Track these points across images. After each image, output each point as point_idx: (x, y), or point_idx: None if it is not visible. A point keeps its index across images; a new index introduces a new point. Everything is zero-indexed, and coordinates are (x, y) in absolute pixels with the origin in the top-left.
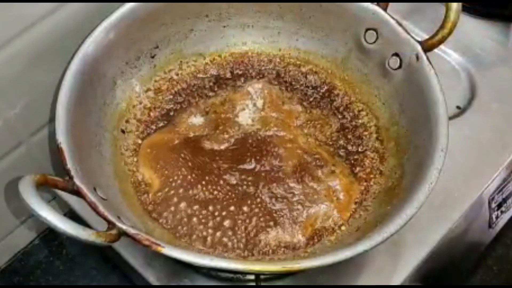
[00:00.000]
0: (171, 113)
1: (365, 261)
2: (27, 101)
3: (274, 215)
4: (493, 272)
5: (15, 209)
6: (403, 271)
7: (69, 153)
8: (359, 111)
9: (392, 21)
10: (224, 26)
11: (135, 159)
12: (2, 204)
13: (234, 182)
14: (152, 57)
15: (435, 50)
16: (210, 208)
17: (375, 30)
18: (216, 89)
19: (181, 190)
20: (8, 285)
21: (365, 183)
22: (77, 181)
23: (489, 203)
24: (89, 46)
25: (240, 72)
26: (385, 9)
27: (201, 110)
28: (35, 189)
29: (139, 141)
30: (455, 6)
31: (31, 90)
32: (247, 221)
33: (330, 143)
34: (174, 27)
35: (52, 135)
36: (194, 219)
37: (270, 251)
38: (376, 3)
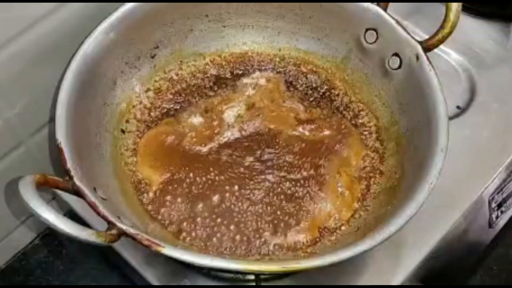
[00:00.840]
0: (171, 113)
1: (365, 261)
2: (27, 101)
3: (276, 215)
4: (493, 272)
5: (15, 209)
6: (403, 271)
7: (69, 153)
8: (359, 111)
9: (392, 21)
10: (224, 26)
11: (135, 159)
12: (2, 204)
13: (235, 180)
14: (152, 57)
15: (435, 50)
16: (210, 207)
17: (375, 30)
18: (216, 89)
19: (180, 189)
20: (8, 285)
21: (365, 183)
22: (77, 181)
23: (489, 203)
24: (89, 46)
25: (240, 72)
26: (385, 9)
27: (201, 110)
28: (35, 189)
29: (139, 141)
30: (455, 6)
31: (31, 90)
32: (248, 220)
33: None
34: (174, 27)
35: (52, 135)
36: (194, 217)
37: (271, 251)
38: (376, 3)
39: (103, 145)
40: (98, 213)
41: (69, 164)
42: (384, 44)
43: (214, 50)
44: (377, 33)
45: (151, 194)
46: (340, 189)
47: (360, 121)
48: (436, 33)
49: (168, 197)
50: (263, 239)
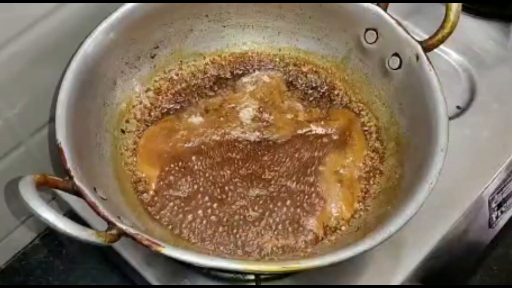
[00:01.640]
0: (171, 113)
1: (365, 261)
2: (27, 101)
3: (276, 214)
4: (493, 272)
5: (15, 209)
6: (403, 271)
7: (69, 153)
8: (359, 111)
9: (392, 21)
10: (224, 26)
11: (135, 159)
12: (2, 204)
13: (235, 179)
14: (152, 57)
15: (435, 50)
16: (210, 206)
17: (375, 30)
18: (216, 89)
19: (180, 188)
20: (8, 285)
21: (365, 183)
22: (77, 181)
23: (489, 203)
24: (89, 46)
25: (240, 72)
26: (385, 9)
27: (201, 110)
28: (35, 189)
29: (139, 141)
30: (455, 6)
31: (31, 90)
32: (248, 220)
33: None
34: (174, 27)
35: (52, 135)
36: (194, 217)
37: (271, 251)
38: (376, 3)
39: (103, 145)
40: (98, 213)
41: (69, 164)
42: (384, 44)
43: (214, 50)
44: (377, 33)
45: (151, 194)
46: (340, 189)
47: (360, 121)
48: (436, 33)
49: (168, 197)
50: (263, 239)
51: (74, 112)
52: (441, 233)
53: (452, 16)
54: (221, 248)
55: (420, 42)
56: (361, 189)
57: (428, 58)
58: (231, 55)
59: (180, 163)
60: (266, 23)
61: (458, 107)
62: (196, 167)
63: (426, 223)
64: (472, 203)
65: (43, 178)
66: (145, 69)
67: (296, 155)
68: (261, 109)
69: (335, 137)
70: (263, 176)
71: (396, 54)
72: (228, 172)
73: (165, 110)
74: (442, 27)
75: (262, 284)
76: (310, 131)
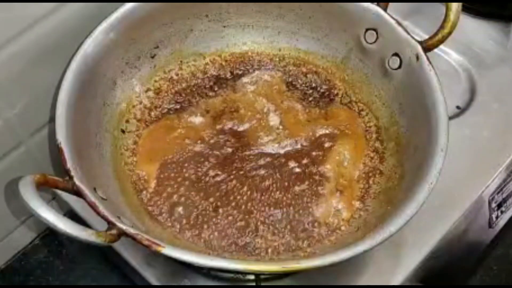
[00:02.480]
0: (171, 113)
1: (365, 261)
2: (27, 101)
3: (276, 213)
4: (493, 272)
5: (15, 209)
6: (403, 271)
7: (69, 153)
8: (359, 111)
9: (392, 21)
10: (224, 26)
11: (135, 159)
12: (2, 204)
13: (235, 178)
14: (152, 57)
15: (435, 50)
16: (211, 205)
17: (375, 30)
18: (216, 89)
19: (181, 188)
20: (8, 285)
21: (365, 183)
22: (77, 181)
23: (489, 203)
24: (89, 46)
25: (240, 72)
26: (385, 9)
27: (201, 110)
28: (35, 189)
29: (139, 140)
30: (455, 6)
31: (31, 90)
32: (249, 220)
33: None
34: (174, 27)
35: (52, 135)
36: (194, 217)
37: (271, 251)
38: (376, 3)
39: (103, 145)
40: (98, 213)
41: (69, 164)
42: (384, 44)
43: (214, 50)
44: (377, 33)
45: (150, 194)
46: (340, 189)
47: (360, 121)
48: (436, 33)
49: (168, 197)
50: (264, 239)
51: (74, 112)
52: (441, 233)
53: (452, 16)
54: (222, 247)
55: (420, 42)
56: (361, 189)
57: (428, 58)
58: (231, 55)
59: (180, 163)
60: (266, 23)
61: (458, 107)
62: (196, 166)
63: (426, 223)
64: (472, 203)
65: (43, 178)
66: (145, 69)
67: (296, 154)
68: (261, 109)
69: (335, 137)
70: (263, 175)
71: (396, 54)
72: (229, 171)
73: (165, 110)
74: (442, 27)
75: (262, 284)
76: (310, 131)
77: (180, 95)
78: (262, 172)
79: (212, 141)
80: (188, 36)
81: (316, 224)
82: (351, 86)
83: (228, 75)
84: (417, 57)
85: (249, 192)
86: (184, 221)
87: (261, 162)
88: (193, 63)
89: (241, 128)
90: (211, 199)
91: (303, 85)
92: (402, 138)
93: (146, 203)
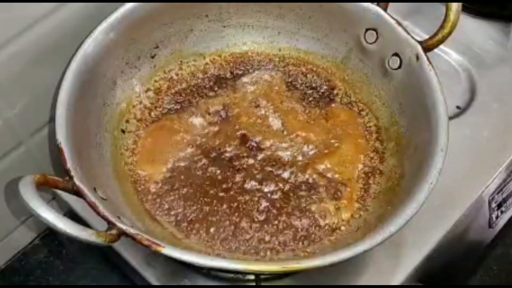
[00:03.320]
0: (171, 113)
1: (365, 261)
2: (27, 101)
3: (276, 213)
4: (493, 272)
5: (15, 209)
6: (403, 271)
7: (69, 153)
8: (359, 111)
9: (392, 21)
10: (224, 26)
11: (135, 159)
12: (2, 204)
13: (235, 178)
14: (152, 57)
15: (435, 50)
16: (210, 205)
17: (375, 30)
18: (216, 89)
19: (180, 188)
20: (8, 285)
21: (365, 183)
22: (77, 181)
23: (489, 203)
24: (89, 46)
25: (240, 72)
26: (385, 9)
27: (202, 110)
28: (35, 189)
29: (139, 140)
30: (455, 6)
31: (31, 90)
32: (249, 220)
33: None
34: (174, 27)
35: (52, 135)
36: (194, 217)
37: (271, 251)
38: (376, 3)
39: (103, 145)
40: (98, 213)
41: (69, 164)
42: (384, 44)
43: (214, 50)
44: (377, 33)
45: (151, 194)
46: (340, 189)
47: (360, 121)
48: (436, 33)
49: (168, 197)
50: (264, 239)
51: (74, 112)
52: (441, 233)
53: (452, 16)
54: (222, 247)
55: (420, 42)
56: (361, 189)
57: (428, 58)
58: (231, 55)
59: (180, 163)
60: (266, 23)
61: (458, 107)
62: (196, 167)
63: (426, 223)
64: (472, 203)
65: (43, 178)
66: (145, 69)
67: (295, 155)
68: (261, 109)
69: (334, 137)
70: (263, 176)
71: (396, 54)
72: (229, 172)
73: (165, 110)
74: (442, 27)
75: (262, 284)
76: (310, 131)
77: (180, 95)
78: (262, 172)
79: (212, 141)
80: (188, 36)
81: (316, 224)
82: (351, 86)
83: (228, 75)
84: (417, 57)
85: (249, 192)
86: (184, 221)
87: (261, 162)
88: (193, 63)
89: (241, 128)
90: (211, 200)
91: (303, 85)
92: (402, 138)
93: (146, 203)
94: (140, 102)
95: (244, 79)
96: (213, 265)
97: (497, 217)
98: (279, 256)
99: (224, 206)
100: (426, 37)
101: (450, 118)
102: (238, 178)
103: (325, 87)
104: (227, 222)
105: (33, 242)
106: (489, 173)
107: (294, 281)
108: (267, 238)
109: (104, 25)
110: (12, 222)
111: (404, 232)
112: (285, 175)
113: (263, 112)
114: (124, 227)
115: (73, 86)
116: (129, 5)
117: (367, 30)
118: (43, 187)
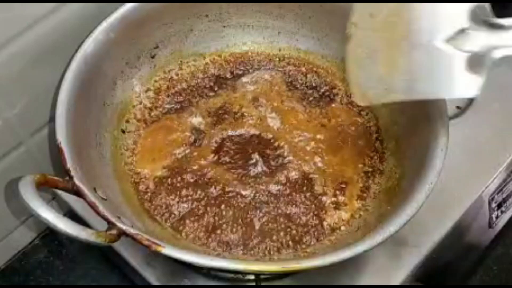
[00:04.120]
0: (171, 113)
1: (365, 261)
2: (27, 101)
3: (276, 213)
4: (493, 272)
5: (15, 209)
6: (403, 271)
7: (69, 153)
8: (359, 111)
9: None
10: (224, 26)
11: (135, 159)
12: (2, 204)
13: (234, 178)
14: (152, 57)
15: None
16: (210, 205)
17: None
18: (216, 89)
19: (181, 187)
20: (8, 285)
21: (365, 183)
22: (77, 181)
23: (489, 203)
24: (89, 46)
25: (240, 72)
26: None
27: (202, 110)
28: (35, 189)
29: (139, 140)
30: None
31: (31, 90)
32: (248, 220)
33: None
34: (174, 27)
35: (52, 135)
36: (194, 217)
37: (271, 250)
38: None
39: (103, 145)
40: (98, 213)
41: (69, 164)
42: None
43: (214, 50)
44: None
45: (151, 194)
46: (340, 189)
47: (360, 121)
48: None
49: (168, 197)
50: (264, 239)
51: (74, 112)
52: (441, 233)
53: None
54: (221, 248)
55: None
56: (361, 189)
57: None
58: (231, 55)
59: (180, 163)
60: (266, 23)
61: (458, 107)
62: (196, 167)
63: (426, 223)
64: (472, 203)
65: (43, 178)
66: (145, 69)
67: (295, 154)
68: (261, 109)
69: (335, 137)
70: (263, 176)
71: None
72: (229, 172)
73: (165, 110)
74: None
75: (262, 284)
76: (310, 131)
77: (180, 95)
78: (262, 172)
79: (211, 141)
80: (188, 36)
81: (316, 224)
82: None
83: (228, 75)
84: None
85: (249, 193)
86: (184, 221)
87: (261, 162)
88: (193, 63)
89: (241, 128)
90: (211, 200)
91: (303, 85)
92: (402, 138)
93: (146, 203)
94: (140, 102)
95: (244, 79)
96: (213, 265)
97: (497, 217)
98: (279, 256)
99: (224, 206)
100: None
101: (450, 118)
102: (237, 178)
103: (325, 87)
104: (227, 222)
105: (33, 242)
106: (489, 173)
107: (294, 281)
108: (267, 238)
109: (104, 25)
110: (12, 222)
111: (404, 232)
112: (285, 175)
113: (263, 112)
114: (124, 227)
115: (73, 86)
116: (129, 5)
117: None
118: (43, 187)
